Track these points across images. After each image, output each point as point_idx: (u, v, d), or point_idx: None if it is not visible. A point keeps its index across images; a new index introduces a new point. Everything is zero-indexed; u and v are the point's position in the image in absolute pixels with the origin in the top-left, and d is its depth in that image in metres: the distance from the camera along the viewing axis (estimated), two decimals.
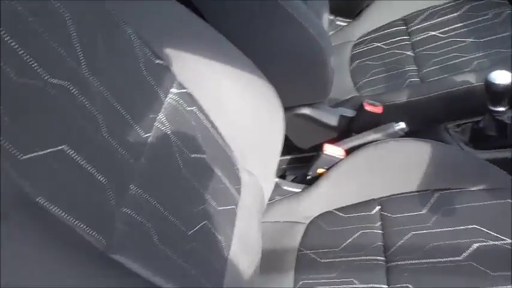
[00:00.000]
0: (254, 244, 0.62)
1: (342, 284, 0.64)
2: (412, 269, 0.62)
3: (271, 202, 0.79)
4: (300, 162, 0.97)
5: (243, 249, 0.59)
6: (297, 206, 0.77)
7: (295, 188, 0.81)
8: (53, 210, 0.34)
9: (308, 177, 0.82)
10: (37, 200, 0.33)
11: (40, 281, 0.32)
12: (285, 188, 0.81)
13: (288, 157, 0.98)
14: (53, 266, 0.33)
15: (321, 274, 0.67)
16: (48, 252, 0.33)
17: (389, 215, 0.71)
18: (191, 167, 0.52)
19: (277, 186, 0.80)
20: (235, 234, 0.58)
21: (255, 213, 0.65)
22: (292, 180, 0.86)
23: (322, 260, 0.68)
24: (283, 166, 0.98)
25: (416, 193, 0.72)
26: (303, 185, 0.81)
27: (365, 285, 0.63)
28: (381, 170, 0.76)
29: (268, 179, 0.71)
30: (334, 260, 0.68)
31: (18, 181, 0.32)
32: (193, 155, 0.53)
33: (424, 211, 0.69)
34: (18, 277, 0.31)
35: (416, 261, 0.63)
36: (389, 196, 0.73)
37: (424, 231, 0.66)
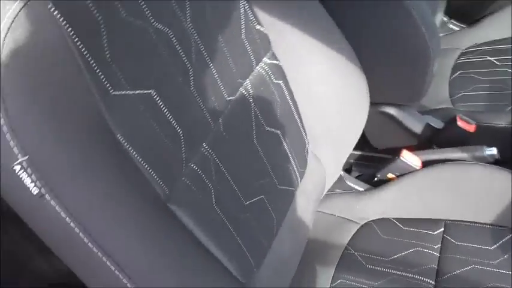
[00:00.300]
0: (303, 230, 0.62)
1: None
2: None
3: (331, 193, 0.77)
4: (368, 161, 0.93)
5: (292, 232, 0.59)
6: (354, 205, 0.74)
7: (358, 186, 0.78)
8: (128, 149, 0.35)
9: (375, 179, 0.79)
10: (117, 135, 0.34)
11: (98, 210, 0.33)
12: (348, 183, 0.78)
13: (359, 152, 0.94)
14: (115, 199, 0.34)
15: (363, 279, 0.65)
16: (114, 187, 0.34)
17: (452, 240, 0.66)
18: (263, 139, 0.52)
19: (340, 179, 0.77)
20: (288, 216, 0.57)
21: (312, 200, 0.64)
22: (357, 177, 0.83)
23: (368, 266, 0.66)
24: (351, 160, 0.95)
25: (489, 226, 0.66)
26: (367, 185, 0.78)
27: None
28: (457, 192, 0.70)
29: (334, 170, 0.69)
30: (380, 268, 0.65)
31: (104, 114, 0.33)
32: (268, 128, 0.53)
33: (492, 247, 0.63)
34: (80, 199, 0.32)
35: None
36: (457, 221, 0.68)
37: (486, 268, 0.61)
